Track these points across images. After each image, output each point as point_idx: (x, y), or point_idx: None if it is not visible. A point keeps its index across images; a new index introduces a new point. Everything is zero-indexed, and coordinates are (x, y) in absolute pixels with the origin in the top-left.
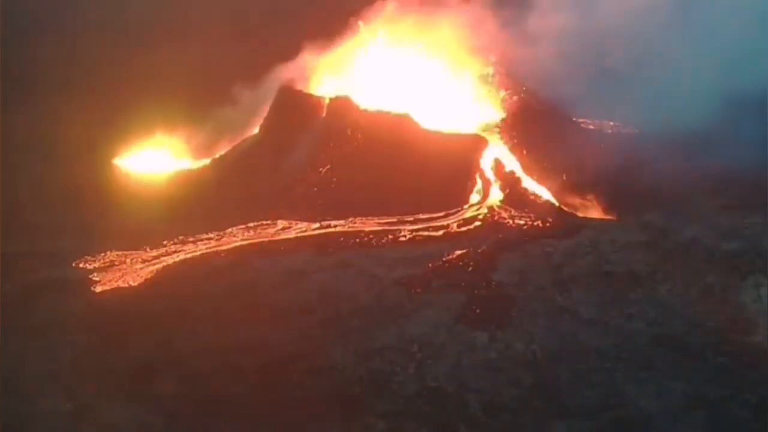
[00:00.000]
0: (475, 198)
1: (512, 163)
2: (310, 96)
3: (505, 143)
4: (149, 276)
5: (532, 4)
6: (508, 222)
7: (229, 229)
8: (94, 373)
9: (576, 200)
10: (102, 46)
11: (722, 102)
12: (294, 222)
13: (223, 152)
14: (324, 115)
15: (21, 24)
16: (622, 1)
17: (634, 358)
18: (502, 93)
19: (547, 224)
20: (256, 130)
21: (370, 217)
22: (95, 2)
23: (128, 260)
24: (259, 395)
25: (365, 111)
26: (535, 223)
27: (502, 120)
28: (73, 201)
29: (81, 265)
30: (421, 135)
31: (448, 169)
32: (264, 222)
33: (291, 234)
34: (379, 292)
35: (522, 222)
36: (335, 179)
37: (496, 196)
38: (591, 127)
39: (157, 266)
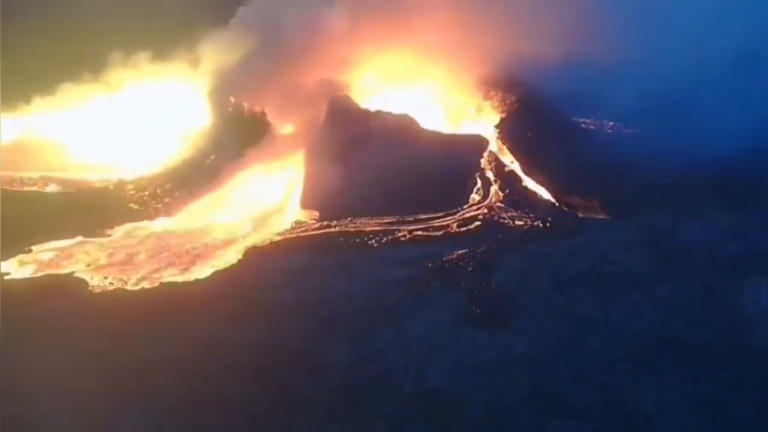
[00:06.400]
0: (475, 198)
1: (512, 163)
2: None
3: (505, 143)
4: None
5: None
6: (508, 222)
7: None
8: (94, 373)
9: (576, 200)
10: None
11: (723, 100)
12: (294, 222)
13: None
14: (324, 114)
15: None
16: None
17: (634, 358)
18: (501, 93)
19: (547, 224)
20: None
21: (370, 217)
22: None
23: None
24: (259, 395)
25: (365, 111)
26: (535, 223)
27: (502, 120)
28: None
29: (80, 265)
30: (421, 135)
31: (448, 169)
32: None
33: (291, 234)
34: (379, 292)
35: (522, 222)
36: (335, 179)
37: (496, 196)
38: (591, 127)
39: None
